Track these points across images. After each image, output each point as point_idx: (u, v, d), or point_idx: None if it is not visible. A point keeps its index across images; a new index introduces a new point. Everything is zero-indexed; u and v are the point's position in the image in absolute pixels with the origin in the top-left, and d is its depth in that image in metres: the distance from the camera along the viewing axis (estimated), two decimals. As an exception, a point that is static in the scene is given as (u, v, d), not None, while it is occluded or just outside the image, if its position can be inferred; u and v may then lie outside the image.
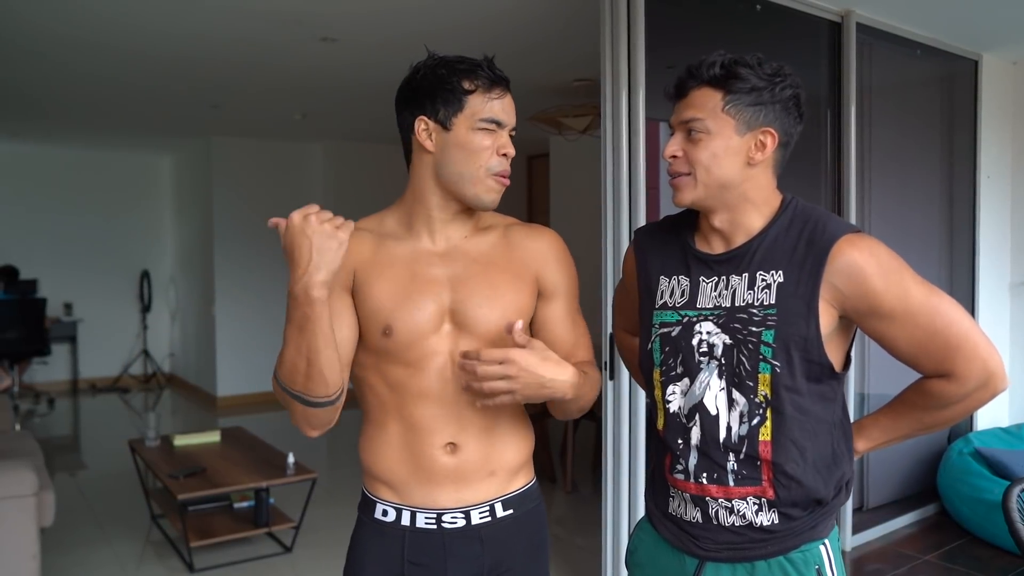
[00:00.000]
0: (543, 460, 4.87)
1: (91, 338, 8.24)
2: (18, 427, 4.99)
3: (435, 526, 1.38)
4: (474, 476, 1.38)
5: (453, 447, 1.37)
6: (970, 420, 4.37)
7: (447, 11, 3.52)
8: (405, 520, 1.39)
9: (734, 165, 1.31)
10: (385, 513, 1.40)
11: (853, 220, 3.61)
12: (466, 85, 1.32)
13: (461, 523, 1.38)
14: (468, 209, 1.39)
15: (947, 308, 1.27)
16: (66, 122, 6.50)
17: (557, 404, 1.37)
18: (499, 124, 1.34)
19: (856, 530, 3.72)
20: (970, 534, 3.84)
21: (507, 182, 1.36)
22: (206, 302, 7.58)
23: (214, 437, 4.37)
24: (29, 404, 7.48)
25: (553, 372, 1.27)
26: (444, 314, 1.35)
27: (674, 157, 1.33)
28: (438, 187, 1.36)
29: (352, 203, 7.56)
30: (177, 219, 8.60)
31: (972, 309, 4.35)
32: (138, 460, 4.28)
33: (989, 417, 4.44)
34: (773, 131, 1.31)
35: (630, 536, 1.57)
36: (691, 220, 1.44)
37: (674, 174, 1.34)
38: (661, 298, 1.41)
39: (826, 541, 1.35)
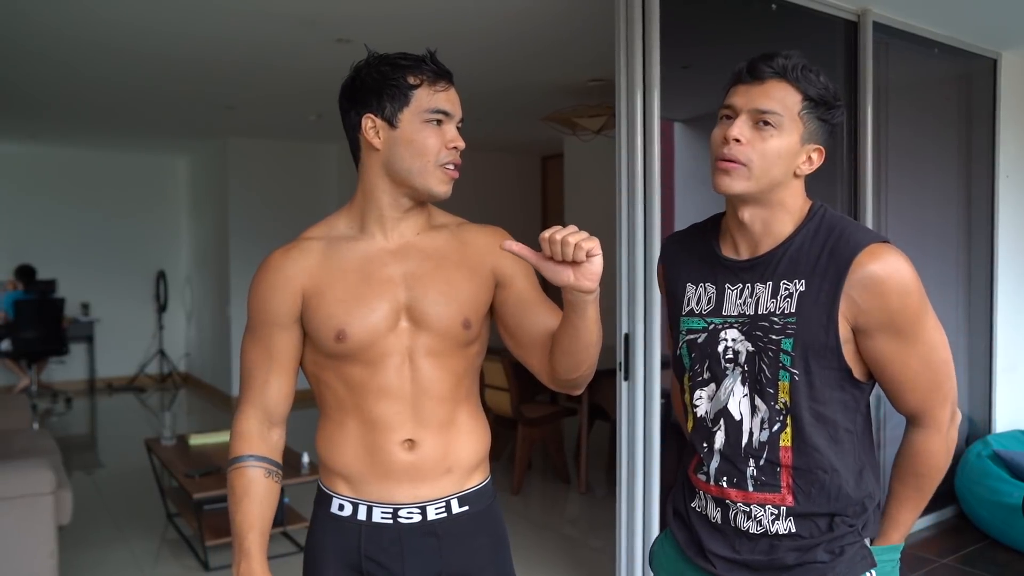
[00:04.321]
0: (557, 460, 4.87)
1: (108, 338, 8.31)
2: (36, 426, 5.03)
3: (391, 521, 1.38)
4: (431, 472, 1.38)
5: (411, 443, 1.37)
6: (989, 422, 4.32)
7: (462, 12, 3.52)
8: (361, 515, 1.39)
9: (786, 170, 1.29)
10: (341, 507, 1.40)
11: (869, 219, 3.58)
12: (411, 80, 1.32)
13: (417, 518, 1.38)
14: (419, 206, 1.40)
15: (944, 343, 1.30)
16: (84, 124, 6.56)
17: (579, 330, 1.28)
18: (446, 115, 1.33)
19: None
20: (989, 538, 3.80)
21: (456, 174, 1.36)
22: (221, 302, 7.63)
23: (229, 436, 4.38)
24: (47, 403, 7.55)
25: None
26: (400, 312, 1.36)
27: (737, 141, 1.27)
28: (388, 184, 1.36)
29: (366, 204, 7.58)
30: (193, 219, 8.66)
31: (990, 309, 4.31)
32: (154, 459, 4.31)
33: (1008, 419, 4.40)
34: (823, 150, 1.31)
35: (652, 546, 1.56)
36: (716, 225, 1.43)
37: (729, 158, 1.27)
38: (688, 304, 1.41)
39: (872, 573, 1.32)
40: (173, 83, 4.90)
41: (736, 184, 1.27)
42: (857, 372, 1.29)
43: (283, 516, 3.77)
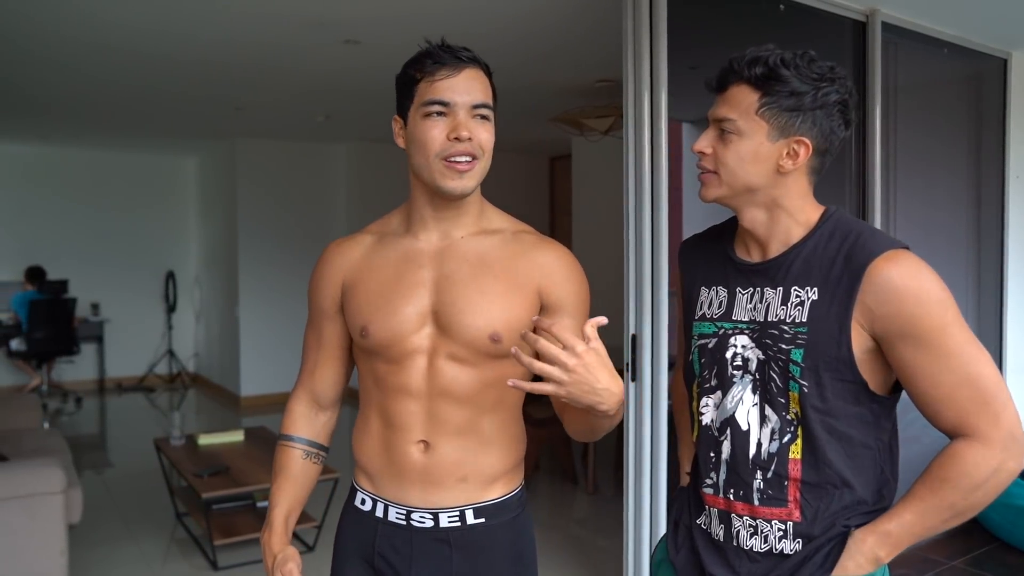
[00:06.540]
0: (565, 461, 4.87)
1: (117, 338, 8.35)
2: (47, 425, 5.07)
3: (404, 522, 1.38)
4: (444, 478, 1.35)
5: (425, 445, 1.35)
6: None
7: (469, 13, 3.52)
8: (379, 512, 1.40)
9: (762, 171, 1.25)
10: (363, 502, 1.43)
11: (878, 220, 3.56)
12: (416, 75, 1.30)
13: (429, 523, 1.36)
14: (463, 205, 1.36)
15: (984, 359, 1.18)
16: (93, 126, 6.59)
17: (586, 419, 1.24)
18: (444, 104, 1.27)
19: (881, 535, 3.67)
20: (999, 540, 3.78)
21: (465, 166, 1.28)
22: (230, 302, 7.66)
23: (238, 436, 4.41)
24: (57, 403, 7.59)
25: (607, 381, 1.12)
26: (425, 316, 1.34)
27: (702, 153, 1.30)
28: (417, 182, 1.36)
29: (374, 204, 7.59)
30: (202, 220, 8.69)
31: (1000, 311, 4.28)
32: (163, 459, 4.33)
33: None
34: (807, 141, 1.24)
35: (653, 552, 1.54)
36: (732, 228, 1.40)
37: (702, 169, 1.32)
38: (700, 309, 1.38)
39: None
40: (182, 85, 4.92)
41: (710, 192, 1.31)
42: (874, 385, 1.23)
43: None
